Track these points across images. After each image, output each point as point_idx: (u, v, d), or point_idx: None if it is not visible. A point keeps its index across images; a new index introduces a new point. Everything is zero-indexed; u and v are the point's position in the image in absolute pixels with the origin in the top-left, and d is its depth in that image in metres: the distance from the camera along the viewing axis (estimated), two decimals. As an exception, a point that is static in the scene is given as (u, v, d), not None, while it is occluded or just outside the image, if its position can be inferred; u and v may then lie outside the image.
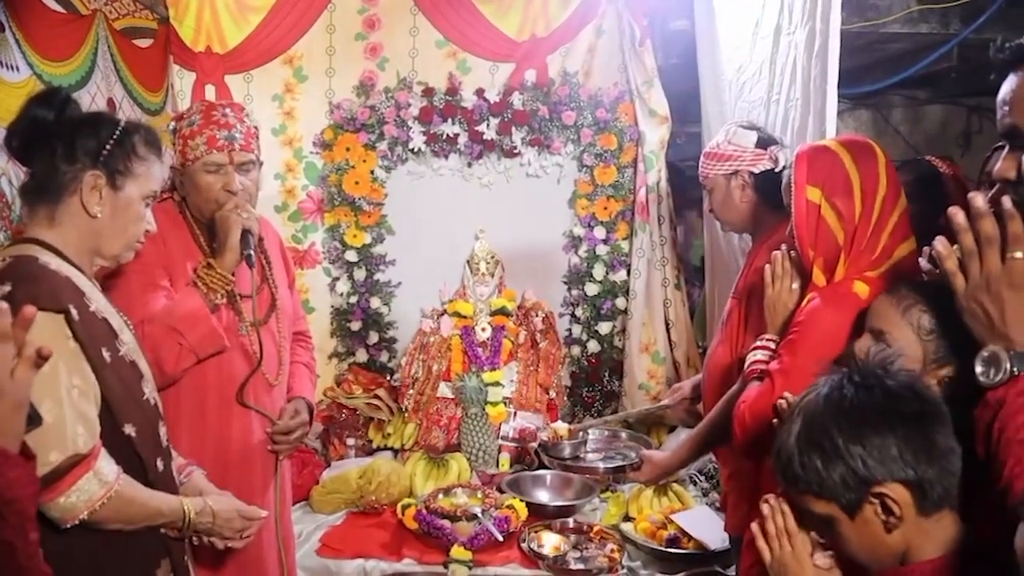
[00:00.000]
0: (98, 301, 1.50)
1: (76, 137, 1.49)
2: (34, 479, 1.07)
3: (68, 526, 1.37)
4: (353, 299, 3.42)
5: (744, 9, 2.77)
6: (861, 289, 1.59)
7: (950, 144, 4.42)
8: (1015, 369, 1.15)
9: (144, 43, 2.92)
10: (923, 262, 1.47)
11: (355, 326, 3.42)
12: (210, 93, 3.23)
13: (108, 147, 1.51)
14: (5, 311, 0.99)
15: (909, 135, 4.53)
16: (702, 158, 2.27)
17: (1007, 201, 1.15)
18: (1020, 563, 0.84)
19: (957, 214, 1.18)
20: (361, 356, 3.44)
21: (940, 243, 1.24)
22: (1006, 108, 1.17)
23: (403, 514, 2.60)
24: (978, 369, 1.19)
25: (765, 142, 2.19)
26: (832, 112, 2.23)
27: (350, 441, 3.19)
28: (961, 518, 1.22)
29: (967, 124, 4.57)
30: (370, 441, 3.24)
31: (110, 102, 2.60)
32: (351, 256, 3.39)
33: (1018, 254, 1.15)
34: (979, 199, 1.16)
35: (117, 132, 1.53)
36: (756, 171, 2.16)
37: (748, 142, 2.18)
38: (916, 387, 1.19)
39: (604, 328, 3.46)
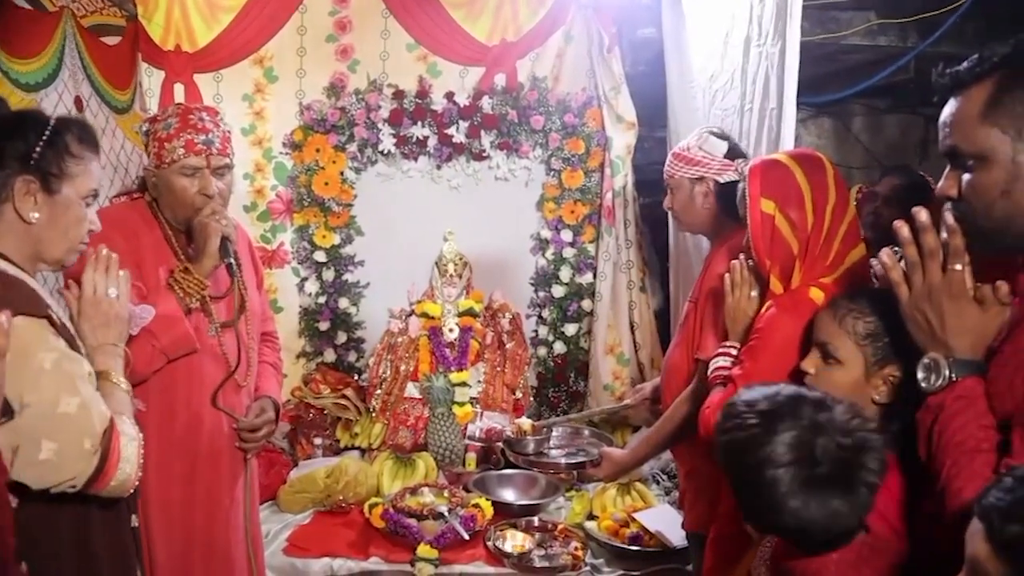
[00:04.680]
0: (55, 307, 1.48)
1: (2, 140, 1.41)
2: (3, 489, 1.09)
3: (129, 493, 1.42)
4: (322, 299, 3.43)
5: (713, 19, 2.83)
6: (817, 295, 1.65)
7: (908, 153, 4.54)
8: (954, 375, 1.22)
9: (112, 41, 2.91)
10: (875, 268, 1.54)
11: (323, 326, 3.44)
12: (179, 92, 3.23)
13: (38, 149, 1.42)
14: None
15: (869, 143, 4.64)
16: (670, 157, 2.31)
17: (949, 216, 1.22)
18: (967, 551, 0.90)
19: (902, 227, 1.24)
20: (329, 356, 3.46)
21: (886, 254, 1.31)
22: (947, 130, 1.23)
23: (370, 513, 2.62)
24: (920, 375, 1.26)
25: (734, 153, 2.24)
26: (791, 120, 2.30)
27: (317, 441, 3.20)
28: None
29: (925, 133, 4.69)
30: (337, 441, 3.26)
31: (77, 100, 2.59)
32: (320, 256, 3.41)
33: (958, 266, 1.22)
34: (923, 214, 1.23)
35: (47, 132, 1.44)
36: (721, 180, 2.21)
37: (718, 151, 2.23)
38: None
39: (570, 329, 3.51)
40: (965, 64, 1.21)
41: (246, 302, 2.11)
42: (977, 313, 1.22)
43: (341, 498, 2.78)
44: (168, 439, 1.95)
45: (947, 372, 1.22)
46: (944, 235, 1.22)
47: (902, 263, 1.27)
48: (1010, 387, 1.17)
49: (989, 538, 0.89)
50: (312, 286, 3.43)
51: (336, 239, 3.41)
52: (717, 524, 1.87)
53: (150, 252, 1.96)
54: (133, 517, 1.60)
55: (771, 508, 1.21)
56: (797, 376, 1.55)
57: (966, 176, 1.21)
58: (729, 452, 1.28)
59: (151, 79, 3.20)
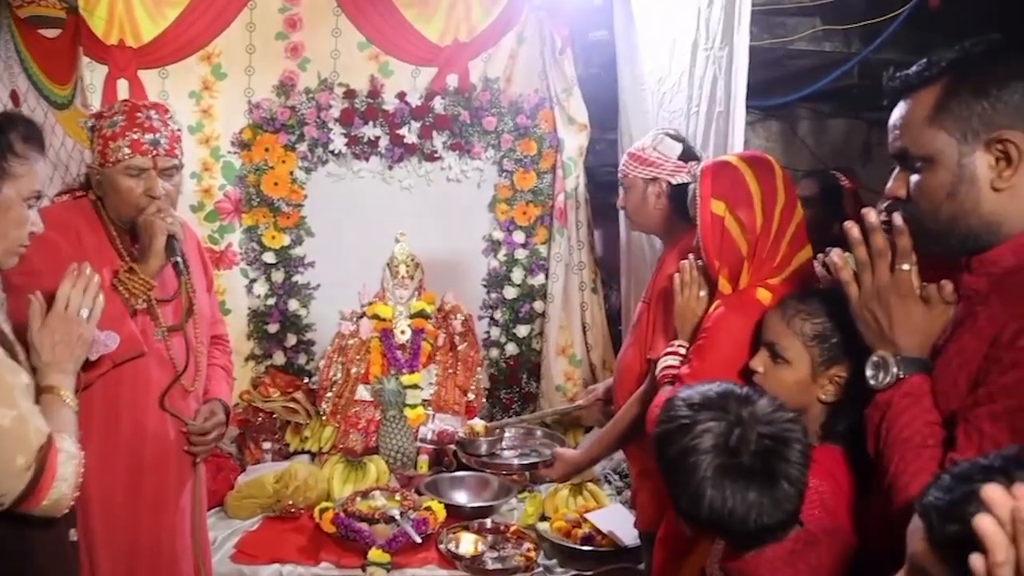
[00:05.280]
0: None
1: None
2: None
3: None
4: (271, 301, 3.38)
5: (662, 22, 2.86)
6: (764, 295, 1.68)
7: (853, 156, 4.66)
8: (901, 373, 1.25)
9: (51, 33, 2.82)
10: (819, 268, 1.57)
11: (272, 328, 3.38)
12: (123, 88, 3.14)
13: None
14: None
15: (815, 146, 4.74)
16: (625, 157, 2.33)
17: (897, 217, 1.25)
18: (908, 548, 0.92)
19: (853, 228, 1.27)
20: (278, 359, 3.40)
21: (836, 254, 1.34)
22: (896, 132, 1.26)
23: (320, 518, 2.59)
24: (868, 373, 1.29)
25: (688, 155, 2.27)
26: (740, 122, 2.33)
27: (266, 445, 3.15)
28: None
29: (868, 137, 4.82)
30: (287, 444, 3.21)
31: (13, 94, 2.50)
32: (269, 258, 3.35)
33: (905, 266, 1.25)
34: (872, 215, 1.25)
35: None
36: (675, 182, 2.23)
37: (672, 153, 2.25)
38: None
39: (522, 331, 3.52)
40: (914, 68, 1.24)
41: (194, 304, 2.06)
42: (923, 312, 1.25)
43: (291, 503, 2.73)
44: (112, 446, 1.89)
45: (895, 370, 1.25)
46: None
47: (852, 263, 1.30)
48: (954, 384, 1.20)
49: (928, 537, 0.89)
50: (261, 288, 3.37)
51: (286, 240, 3.36)
52: (665, 522, 1.89)
53: (93, 253, 1.89)
54: (72, 531, 1.54)
55: (692, 498, 1.24)
56: (745, 375, 1.57)
57: (914, 177, 1.24)
58: (659, 443, 1.32)
59: (93, 74, 3.10)
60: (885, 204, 1.30)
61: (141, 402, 1.94)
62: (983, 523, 0.74)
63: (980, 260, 1.22)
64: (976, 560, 0.74)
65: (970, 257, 1.24)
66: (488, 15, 3.36)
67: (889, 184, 1.29)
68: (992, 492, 0.75)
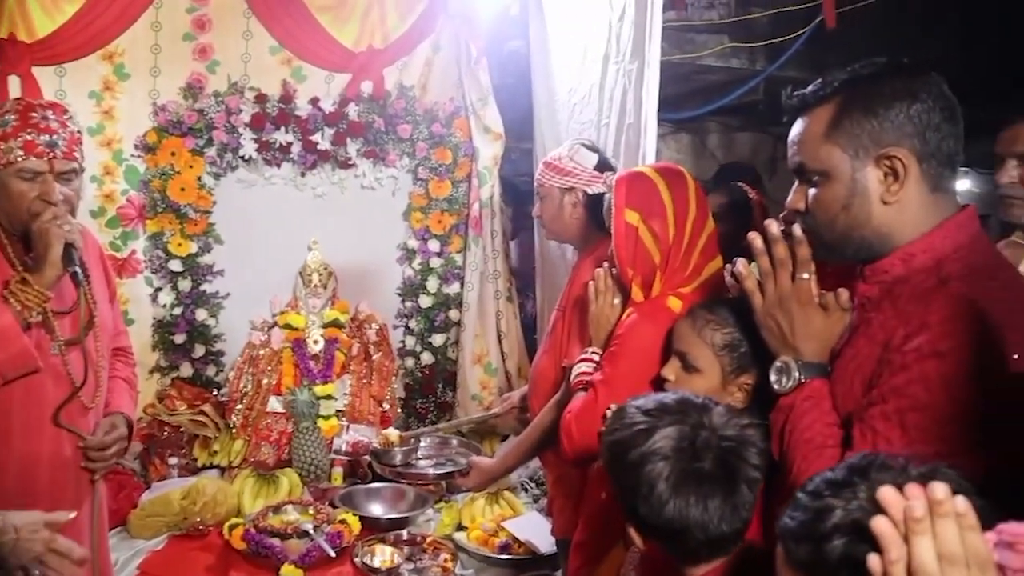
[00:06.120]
0: None
1: None
2: None
3: None
4: (177, 310, 3.26)
5: (574, 35, 2.91)
6: (675, 304, 1.72)
7: (759, 169, 4.83)
8: (802, 377, 1.30)
9: (-67, 26, 2.66)
10: (727, 278, 1.62)
11: (179, 339, 3.26)
12: (14, 85, 2.97)
13: None
14: None
15: (724, 159, 4.91)
16: (541, 166, 2.35)
17: (797, 229, 1.30)
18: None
19: (756, 239, 1.32)
20: (186, 370, 3.29)
21: (741, 264, 1.39)
22: (795, 148, 1.32)
23: (230, 534, 2.51)
24: (772, 378, 1.34)
25: (603, 166, 2.30)
26: (652, 134, 2.39)
27: (172, 460, 3.03)
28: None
29: (773, 151, 5.02)
30: (195, 459, 3.10)
31: None
32: (175, 266, 3.24)
33: (805, 275, 1.30)
34: (774, 226, 1.31)
35: None
36: (590, 192, 2.26)
37: (588, 163, 2.28)
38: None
39: (438, 340, 3.51)
40: (811, 87, 1.30)
41: (95, 316, 1.95)
42: (822, 319, 1.30)
43: (198, 520, 2.64)
44: (3, 462, 1.78)
45: (797, 374, 1.30)
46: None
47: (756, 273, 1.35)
48: (851, 387, 1.26)
49: (787, 560, 0.90)
50: (167, 297, 3.26)
51: (193, 247, 3.26)
52: (581, 528, 1.91)
53: (-19, 262, 1.79)
54: None
55: (653, 504, 1.20)
56: (656, 382, 1.61)
57: (812, 191, 1.30)
58: (613, 452, 1.28)
59: (-20, 71, 2.94)
60: (783, 215, 1.36)
61: (34, 422, 1.82)
62: (878, 523, 0.77)
63: (872, 269, 1.29)
64: (873, 560, 0.77)
65: (864, 266, 1.30)
66: (403, 22, 3.35)
67: (789, 197, 1.35)
68: (886, 494, 0.79)
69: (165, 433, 3.08)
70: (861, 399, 1.22)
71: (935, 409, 1.12)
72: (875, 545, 0.78)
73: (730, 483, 1.20)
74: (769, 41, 3.50)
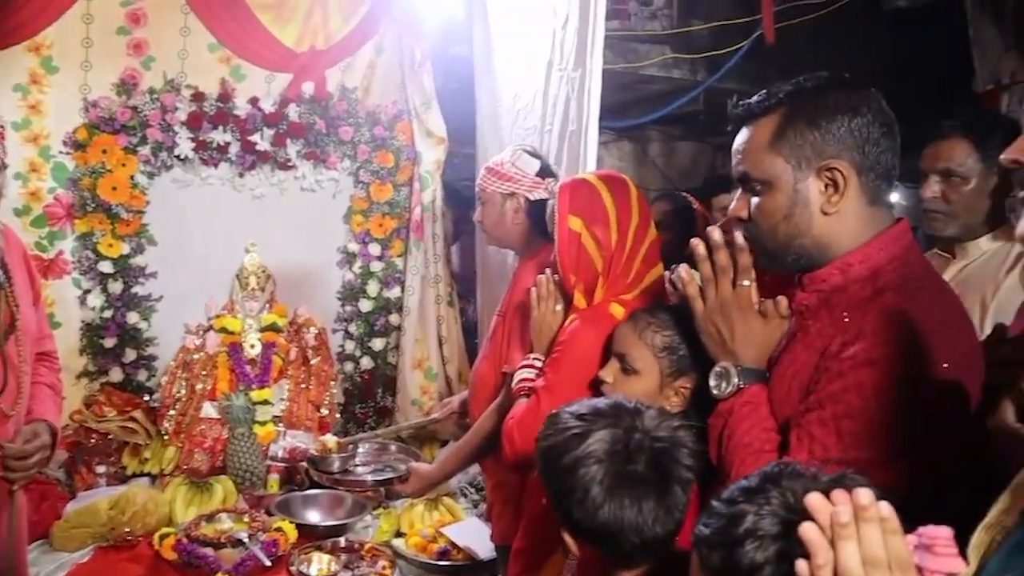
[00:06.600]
0: None
1: None
2: None
3: None
4: (107, 313, 3.15)
5: (519, 41, 2.92)
6: (617, 311, 1.73)
7: (699, 177, 4.93)
8: (741, 382, 1.32)
9: None
10: (668, 284, 1.64)
11: (109, 343, 3.15)
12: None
13: None
14: None
15: (665, 167, 4.99)
16: (483, 171, 2.35)
17: (739, 236, 1.33)
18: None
19: (698, 245, 1.34)
20: (115, 375, 3.17)
21: (683, 270, 1.41)
22: (739, 157, 1.35)
23: (160, 544, 2.44)
24: (712, 383, 1.36)
25: (545, 172, 2.31)
26: (593, 142, 2.41)
27: (100, 469, 2.93)
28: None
29: (713, 160, 5.12)
30: (124, 468, 3.00)
31: None
32: (106, 267, 3.12)
33: (746, 282, 1.33)
34: (716, 233, 1.33)
35: None
36: (532, 198, 2.27)
37: (531, 169, 2.29)
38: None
39: (378, 344, 3.47)
40: (755, 98, 1.32)
41: (17, 320, 1.87)
42: (762, 325, 1.33)
43: (127, 530, 2.55)
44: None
45: (736, 380, 1.32)
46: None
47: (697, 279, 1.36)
48: (788, 393, 1.28)
49: (701, 567, 0.91)
50: (96, 299, 3.14)
51: (125, 248, 3.15)
52: (520, 535, 1.91)
53: None
54: None
55: (586, 509, 1.20)
56: (594, 385, 1.61)
57: (755, 200, 1.33)
58: (547, 457, 1.28)
59: None
60: (722, 222, 1.38)
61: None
62: (805, 529, 0.79)
63: (811, 278, 1.32)
64: (801, 565, 0.79)
65: (802, 275, 1.33)
66: (347, 24, 3.31)
67: (732, 205, 1.37)
68: (813, 499, 0.81)
69: (92, 440, 2.97)
70: (798, 405, 1.25)
71: (869, 416, 1.16)
72: (783, 550, 0.80)
73: (663, 484, 1.21)
74: (709, 53, 3.58)
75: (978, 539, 0.80)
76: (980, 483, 0.97)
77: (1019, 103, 3.47)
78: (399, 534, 2.79)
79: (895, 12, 3.89)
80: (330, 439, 2.64)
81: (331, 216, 3.44)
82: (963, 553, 0.81)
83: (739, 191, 1.37)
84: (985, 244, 2.03)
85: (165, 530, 2.52)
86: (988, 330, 1.65)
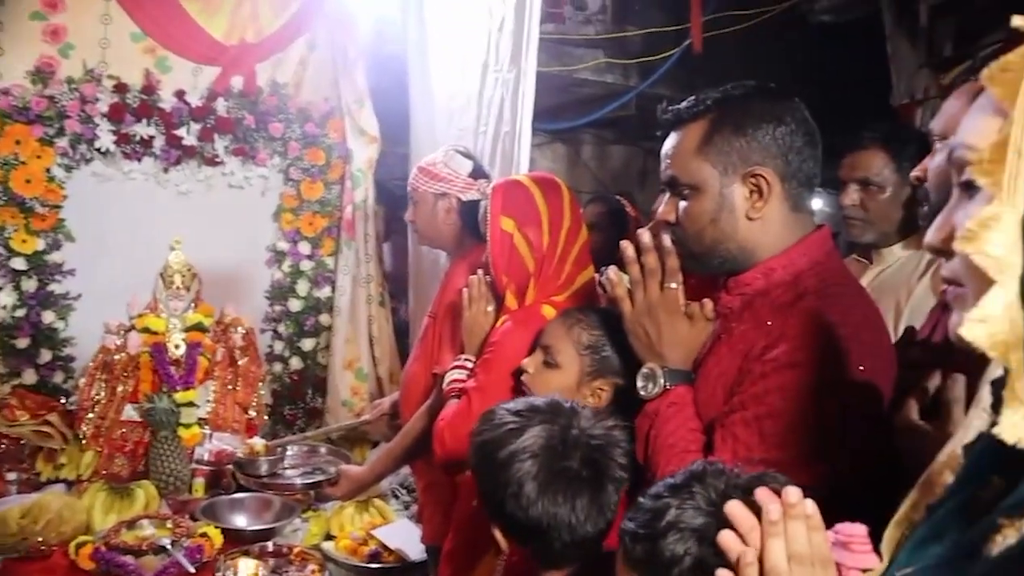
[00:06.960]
0: None
1: None
2: None
3: None
4: (20, 312, 3.02)
5: (454, 41, 2.91)
6: (548, 312, 1.75)
7: (631, 180, 5.01)
8: (667, 384, 1.35)
9: None
10: (598, 286, 1.67)
11: (22, 343, 3.02)
12: None
13: None
14: None
15: (597, 170, 5.05)
16: (415, 171, 2.35)
17: (666, 239, 1.35)
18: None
19: (628, 248, 1.36)
20: (29, 377, 3.05)
21: (612, 271, 1.43)
22: (668, 161, 1.37)
23: (76, 554, 2.34)
24: (638, 384, 1.38)
25: (478, 173, 2.32)
26: (526, 144, 2.43)
27: (11, 475, 2.80)
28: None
29: (644, 164, 5.21)
30: (37, 474, 2.87)
31: None
32: (18, 264, 2.99)
33: (673, 285, 1.35)
34: (645, 236, 1.35)
35: None
36: (464, 198, 2.27)
37: (463, 170, 2.29)
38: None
39: (307, 345, 3.42)
40: (684, 104, 1.35)
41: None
42: (688, 327, 1.36)
43: (40, 540, 2.44)
44: None
45: (662, 381, 1.35)
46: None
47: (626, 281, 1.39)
48: (713, 394, 1.31)
49: (625, 560, 0.94)
50: (8, 297, 3.01)
51: (40, 244, 3.02)
52: (451, 536, 1.91)
53: None
54: None
55: (519, 505, 1.20)
56: (516, 374, 1.63)
57: (682, 204, 1.35)
58: (482, 452, 1.28)
59: None
60: (650, 225, 1.41)
61: None
62: (724, 537, 0.81)
63: (735, 282, 1.35)
64: (722, 573, 0.81)
65: (727, 279, 1.37)
66: (278, 18, 3.25)
67: (660, 208, 1.40)
68: (733, 508, 0.83)
69: (3, 446, 2.84)
70: (723, 406, 1.28)
71: (790, 417, 1.19)
72: (703, 540, 0.84)
73: (597, 482, 1.22)
74: (641, 59, 3.64)
75: (889, 535, 0.84)
76: (894, 481, 1.01)
77: (932, 118, 3.62)
78: (329, 537, 2.75)
79: (819, 26, 4.03)
80: (258, 442, 2.60)
81: (260, 214, 3.38)
82: (877, 549, 0.84)
83: (667, 195, 1.39)
84: (899, 251, 2.13)
85: (82, 538, 2.42)
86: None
